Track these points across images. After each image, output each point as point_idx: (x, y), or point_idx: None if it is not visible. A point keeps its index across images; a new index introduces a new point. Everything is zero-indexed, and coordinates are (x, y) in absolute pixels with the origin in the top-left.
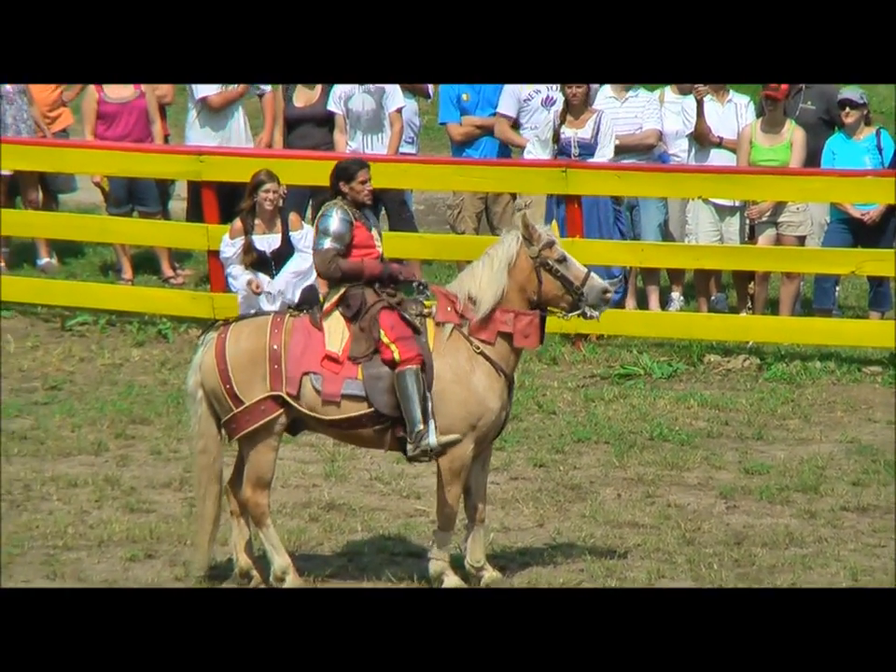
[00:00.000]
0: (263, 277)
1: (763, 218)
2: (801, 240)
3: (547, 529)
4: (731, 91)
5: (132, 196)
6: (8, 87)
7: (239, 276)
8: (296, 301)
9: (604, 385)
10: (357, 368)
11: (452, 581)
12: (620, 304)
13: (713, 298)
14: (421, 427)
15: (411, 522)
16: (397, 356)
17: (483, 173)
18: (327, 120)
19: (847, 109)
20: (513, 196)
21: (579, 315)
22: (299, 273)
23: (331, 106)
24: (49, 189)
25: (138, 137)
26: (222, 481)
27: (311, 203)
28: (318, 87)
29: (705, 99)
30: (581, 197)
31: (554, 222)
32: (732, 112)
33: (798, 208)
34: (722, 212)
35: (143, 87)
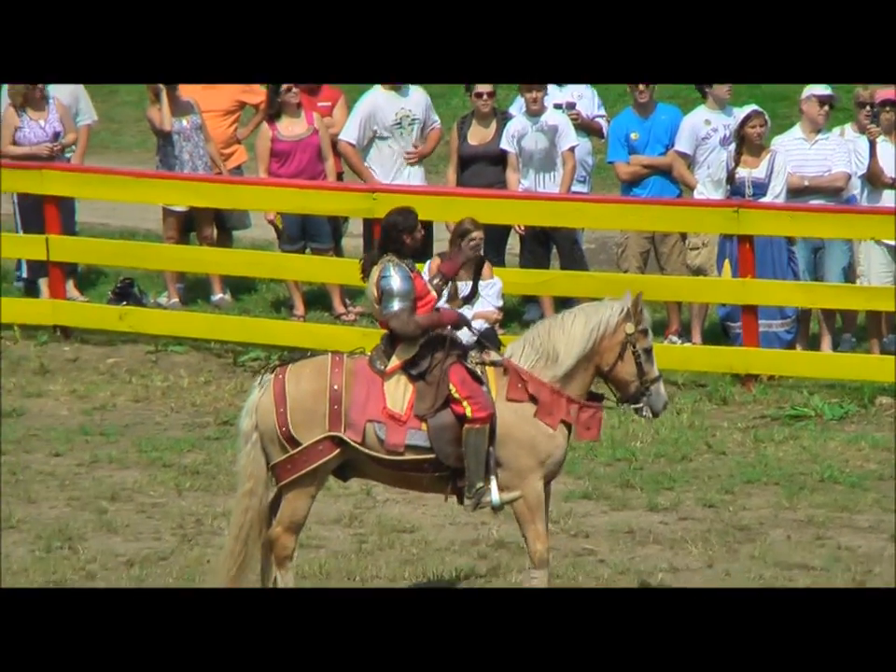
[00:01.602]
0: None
1: None
2: None
3: (716, 570)
4: None
5: (305, 233)
6: (185, 123)
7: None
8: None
9: (774, 425)
10: (422, 421)
11: None
12: (791, 345)
13: (885, 339)
14: (482, 484)
15: (578, 561)
16: (469, 413)
17: (654, 212)
18: (500, 159)
19: None
20: (683, 236)
21: (634, 409)
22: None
23: (504, 145)
24: (223, 225)
25: (311, 174)
26: (266, 525)
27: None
28: (493, 125)
29: (878, 140)
30: (753, 237)
31: (727, 262)
32: None
33: None
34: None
35: (316, 123)
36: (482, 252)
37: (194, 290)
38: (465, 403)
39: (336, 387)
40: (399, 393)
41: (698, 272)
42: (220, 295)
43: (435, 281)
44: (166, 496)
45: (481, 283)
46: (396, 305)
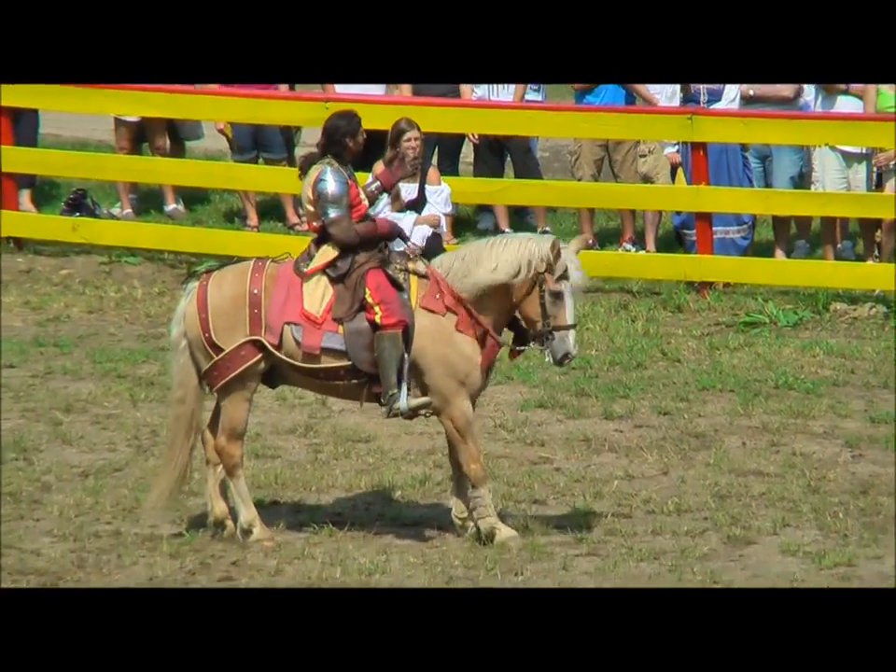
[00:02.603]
0: (410, 214)
1: (891, 165)
2: None
3: (671, 477)
4: None
5: (257, 143)
6: None
7: (402, 218)
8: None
9: (729, 333)
10: (339, 324)
11: (504, 535)
12: (747, 252)
13: (840, 246)
14: (394, 390)
15: (535, 469)
16: (379, 319)
17: (608, 120)
18: None
19: None
20: (636, 143)
21: (539, 349)
22: (437, 215)
23: None
24: (176, 136)
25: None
26: (196, 433)
27: (437, 149)
28: None
29: None
30: (706, 144)
31: (680, 169)
32: None
33: None
34: (850, 159)
35: None
36: (422, 152)
37: (147, 201)
38: (376, 308)
39: (255, 291)
40: (317, 294)
41: (646, 179)
42: (173, 206)
43: (371, 187)
44: (121, 407)
45: (428, 188)
46: (333, 212)
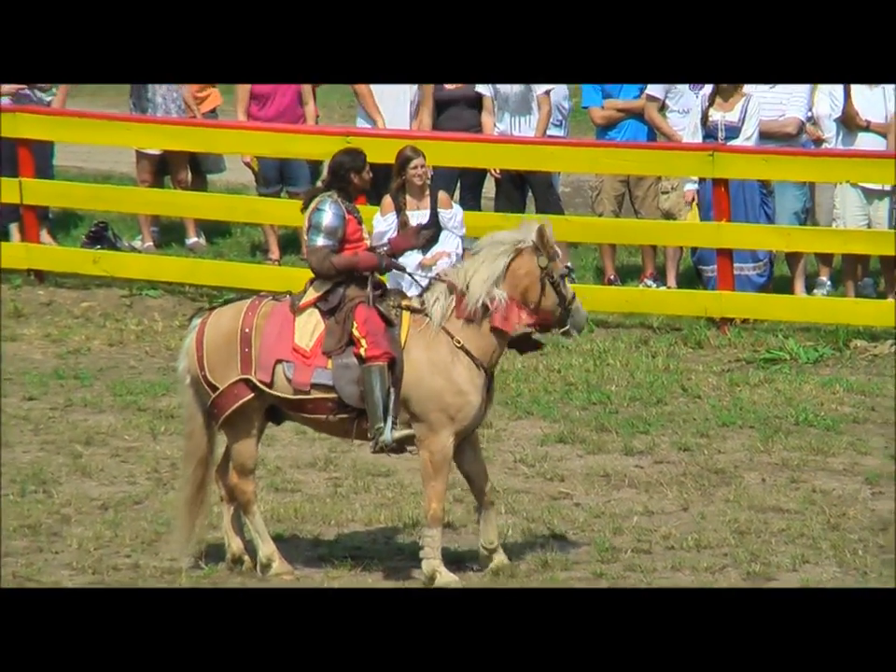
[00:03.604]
0: (417, 253)
1: None
2: None
3: (691, 513)
4: None
5: (282, 177)
6: None
7: (409, 255)
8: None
9: (749, 369)
10: (328, 359)
11: (444, 579)
12: (764, 289)
13: (860, 283)
14: (381, 424)
15: (554, 504)
16: (364, 351)
17: (630, 155)
18: (476, 102)
19: None
20: (658, 179)
21: (561, 333)
22: (448, 252)
23: (480, 88)
24: (198, 169)
25: (291, 118)
26: (208, 467)
27: (459, 183)
28: None
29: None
30: (728, 181)
31: (695, 206)
32: (880, 95)
33: None
34: (870, 196)
35: None
36: (429, 179)
37: (169, 234)
38: (362, 341)
39: (247, 330)
40: (308, 328)
41: (667, 215)
42: (195, 239)
43: (380, 251)
44: (141, 439)
45: (442, 212)
46: (319, 241)
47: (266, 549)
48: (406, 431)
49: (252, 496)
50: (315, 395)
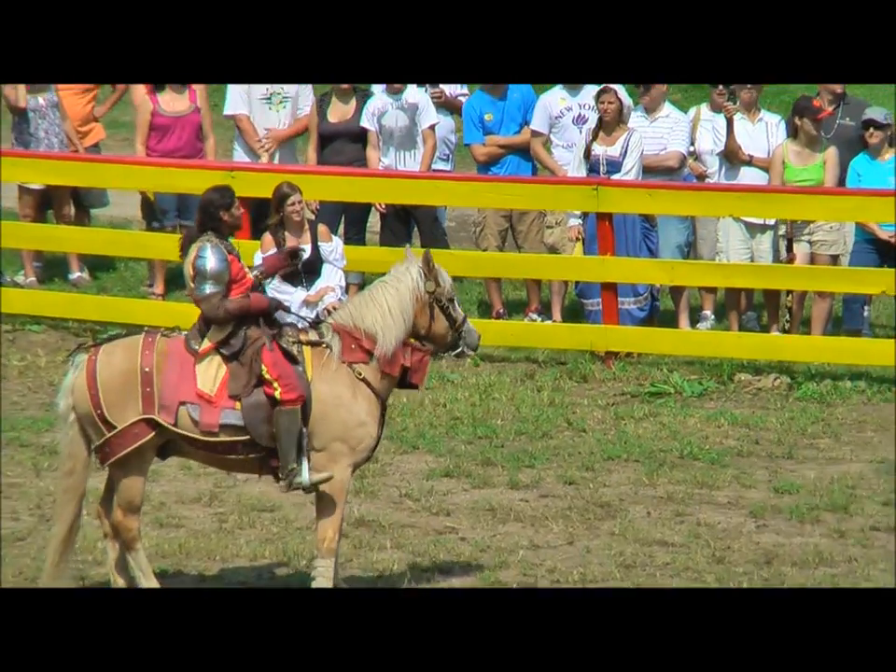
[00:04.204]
0: (300, 290)
1: (803, 234)
2: (834, 259)
3: (577, 547)
4: (762, 110)
5: (180, 210)
6: (41, 100)
7: (293, 293)
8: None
9: (634, 403)
10: (236, 400)
11: None
12: (645, 322)
13: (744, 316)
14: (294, 465)
15: (440, 539)
16: (278, 395)
17: (515, 190)
18: (360, 136)
19: (872, 130)
20: (542, 214)
21: (455, 356)
22: (332, 286)
23: (364, 122)
24: (80, 203)
25: (189, 152)
26: (82, 504)
27: (343, 218)
28: (353, 102)
29: (735, 118)
30: (612, 215)
31: (578, 240)
32: (762, 131)
33: (832, 227)
34: (753, 230)
35: (199, 101)
36: (308, 214)
37: (51, 269)
38: (275, 385)
39: (147, 369)
40: (210, 373)
41: (552, 249)
42: (78, 273)
43: (255, 272)
44: (24, 475)
45: (322, 245)
46: (208, 289)
47: (149, 586)
48: (324, 475)
49: (136, 533)
50: (224, 437)
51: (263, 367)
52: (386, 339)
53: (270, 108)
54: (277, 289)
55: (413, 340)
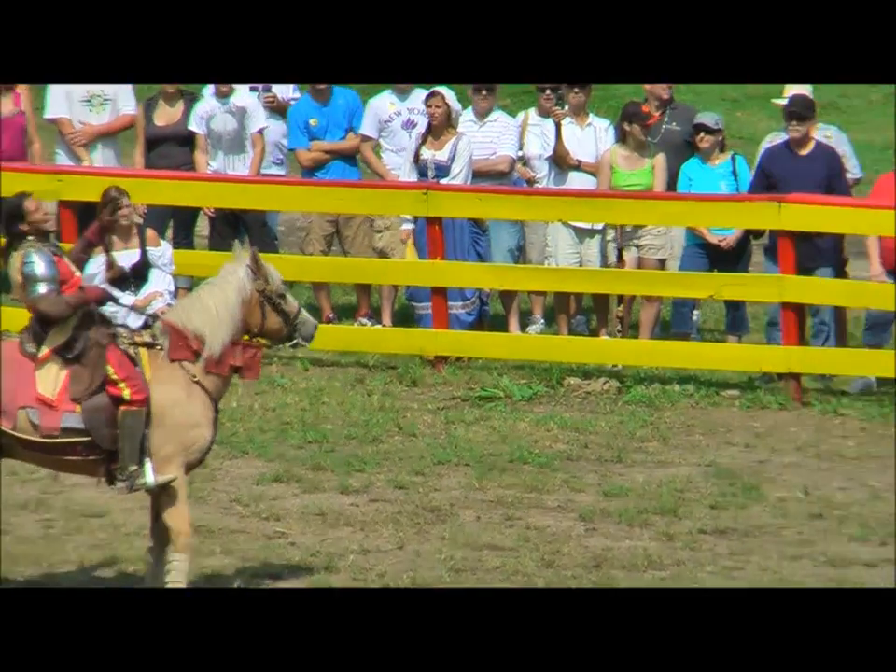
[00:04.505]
0: (128, 295)
1: (633, 241)
2: (661, 263)
3: (406, 552)
4: (591, 114)
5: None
6: None
7: (121, 297)
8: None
9: (464, 407)
10: (76, 403)
11: None
12: (473, 327)
13: (573, 320)
14: (135, 467)
15: (270, 544)
16: (127, 395)
17: (344, 194)
18: (188, 140)
19: (703, 134)
20: (369, 218)
21: (290, 346)
22: (160, 291)
23: (193, 126)
24: None
25: (13, 156)
26: None
27: (172, 222)
28: (180, 105)
29: (563, 122)
30: (442, 219)
31: (410, 244)
32: (591, 135)
33: (659, 231)
34: (581, 234)
35: (23, 105)
36: (136, 218)
37: None
38: (122, 385)
39: None
40: (50, 377)
41: (382, 254)
42: None
43: (77, 250)
44: None
45: (151, 250)
46: (42, 288)
47: None
48: (168, 476)
49: None
50: (64, 439)
51: (109, 367)
52: (214, 340)
53: (91, 110)
54: None
55: (246, 337)
